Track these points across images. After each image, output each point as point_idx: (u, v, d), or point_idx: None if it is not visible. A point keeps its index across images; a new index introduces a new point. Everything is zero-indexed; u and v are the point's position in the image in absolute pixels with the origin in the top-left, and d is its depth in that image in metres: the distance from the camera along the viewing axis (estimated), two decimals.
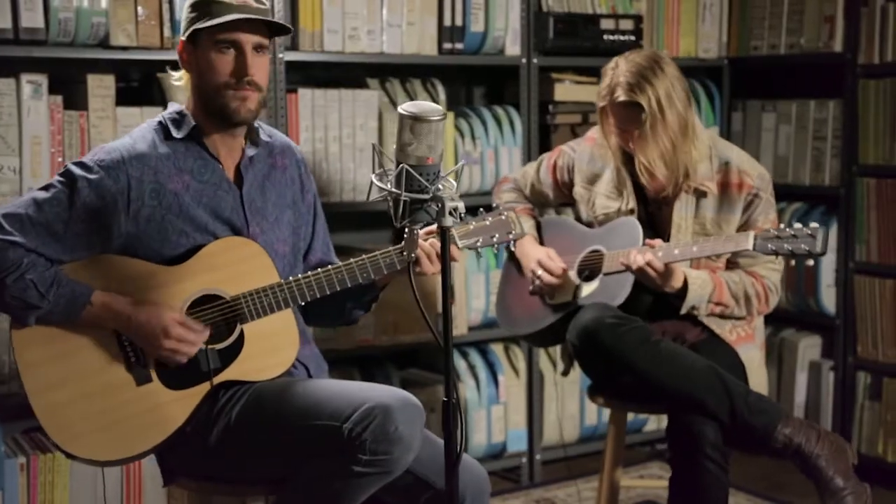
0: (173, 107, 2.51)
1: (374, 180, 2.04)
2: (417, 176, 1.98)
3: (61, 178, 2.35)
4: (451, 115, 3.85)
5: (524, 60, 3.94)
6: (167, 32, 3.30)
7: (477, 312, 3.94)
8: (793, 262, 2.82)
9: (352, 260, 2.47)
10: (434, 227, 2.57)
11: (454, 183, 2.05)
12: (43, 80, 3.17)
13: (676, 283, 2.92)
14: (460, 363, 3.95)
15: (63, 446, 2.32)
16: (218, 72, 2.40)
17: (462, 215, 2.07)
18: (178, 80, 2.51)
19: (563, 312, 3.10)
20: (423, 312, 2.12)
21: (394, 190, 2.00)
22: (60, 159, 3.21)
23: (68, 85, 3.27)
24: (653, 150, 2.95)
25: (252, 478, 2.39)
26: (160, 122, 2.48)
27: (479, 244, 2.57)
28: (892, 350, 3.98)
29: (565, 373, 3.34)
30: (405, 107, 1.99)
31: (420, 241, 2.52)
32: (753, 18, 4.35)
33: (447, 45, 3.79)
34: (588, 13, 4.06)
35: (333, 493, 2.25)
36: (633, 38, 4.11)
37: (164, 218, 2.39)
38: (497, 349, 4.04)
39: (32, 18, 3.11)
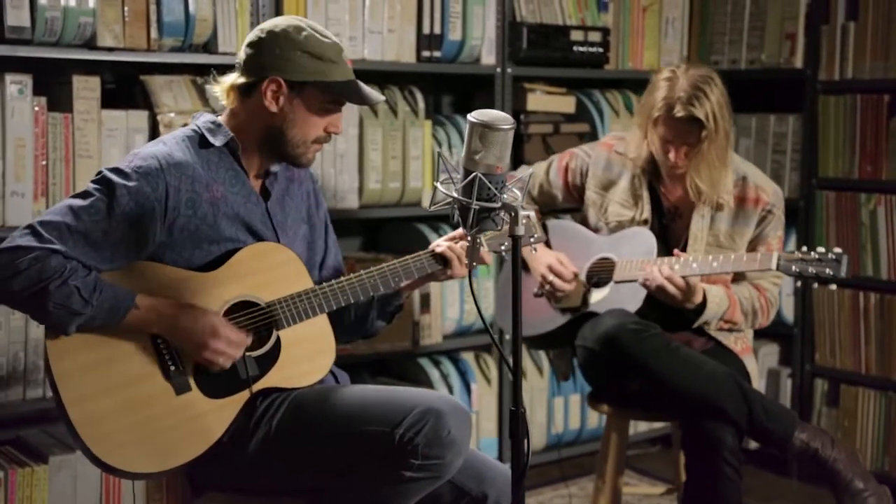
0: (206, 116, 2.44)
1: (440, 187, 2.03)
2: (489, 184, 1.97)
3: (98, 186, 2.27)
4: (428, 124, 3.84)
5: (499, 70, 3.96)
6: (154, 34, 3.22)
7: (451, 321, 3.93)
8: (815, 285, 2.88)
9: (384, 265, 2.46)
10: (457, 231, 2.59)
11: (518, 193, 2.05)
12: (27, 80, 3.07)
13: (697, 298, 2.96)
14: (433, 372, 3.94)
15: (101, 457, 2.23)
16: (315, 127, 2.39)
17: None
18: (217, 92, 2.44)
19: (571, 316, 3.11)
20: (482, 317, 2.13)
21: (463, 198, 1.99)
22: (44, 162, 3.11)
23: (52, 86, 3.17)
24: (703, 167, 2.98)
25: (291, 487, 2.35)
26: (194, 131, 2.42)
27: (503, 247, 2.58)
28: (850, 358, 4.10)
29: (565, 377, 3.35)
30: (475, 115, 1.99)
31: (446, 244, 2.53)
32: (714, 34, 4.45)
33: (425, 53, 3.79)
34: (559, 24, 4.10)
35: (380, 499, 2.23)
36: (600, 49, 4.16)
37: (198, 228, 2.34)
38: (468, 358, 4.03)
39: (18, 17, 3.01)
